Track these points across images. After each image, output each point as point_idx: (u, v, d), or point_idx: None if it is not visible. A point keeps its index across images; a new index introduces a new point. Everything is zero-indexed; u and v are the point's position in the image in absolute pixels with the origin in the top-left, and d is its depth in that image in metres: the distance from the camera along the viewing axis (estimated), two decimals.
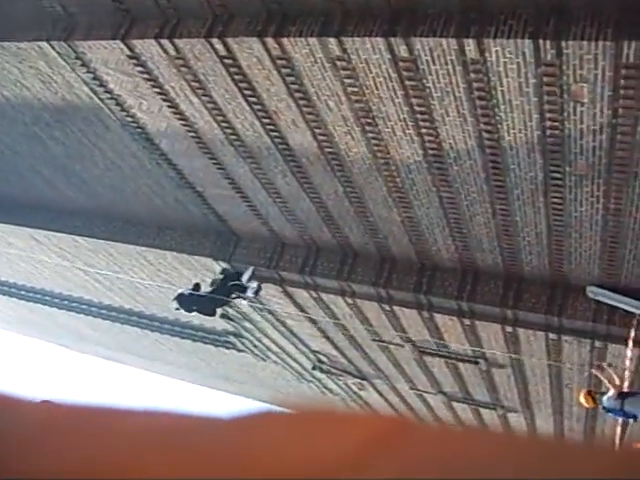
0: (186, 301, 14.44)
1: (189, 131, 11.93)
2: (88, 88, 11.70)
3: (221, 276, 14.85)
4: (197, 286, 14.49)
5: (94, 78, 11.34)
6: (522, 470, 0.46)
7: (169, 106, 11.40)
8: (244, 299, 14.99)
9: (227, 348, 23.43)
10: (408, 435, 0.48)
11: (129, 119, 12.17)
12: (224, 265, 15.34)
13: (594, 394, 11.56)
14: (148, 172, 13.90)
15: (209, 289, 14.59)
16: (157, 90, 11.10)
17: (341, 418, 0.51)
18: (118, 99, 11.70)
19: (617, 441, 12.72)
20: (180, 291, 14.49)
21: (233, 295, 14.50)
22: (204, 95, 10.85)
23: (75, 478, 0.48)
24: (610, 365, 12.66)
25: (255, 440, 0.48)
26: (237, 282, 14.36)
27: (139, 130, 12.42)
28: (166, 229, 15.81)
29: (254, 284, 14.36)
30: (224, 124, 11.41)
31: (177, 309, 15.12)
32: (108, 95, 11.69)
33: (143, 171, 13.96)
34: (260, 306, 16.57)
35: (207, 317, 15.92)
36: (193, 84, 10.67)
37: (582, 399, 12.01)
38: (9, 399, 0.55)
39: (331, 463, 0.46)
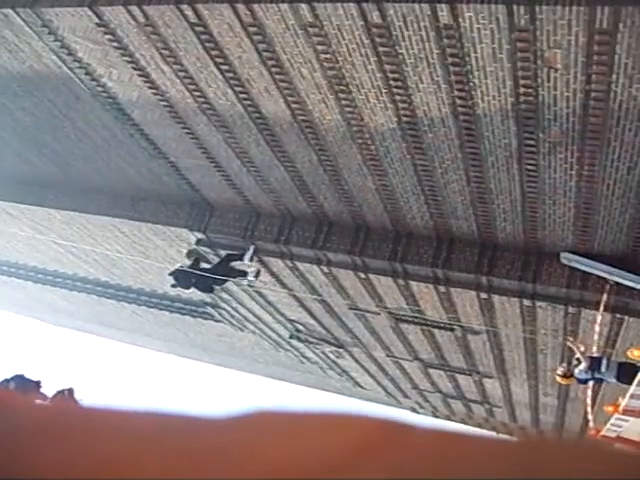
0: (183, 278, 14.33)
1: (161, 100, 11.79)
2: (56, 57, 11.49)
3: (219, 254, 14.83)
4: (196, 262, 14.40)
5: (62, 47, 11.14)
6: (510, 473, 0.45)
7: (140, 75, 11.24)
8: (244, 280, 14.97)
9: (204, 319, 23.48)
10: (397, 438, 0.48)
11: (99, 89, 12.00)
12: (199, 235, 15.27)
13: (568, 372, 11.70)
14: (120, 143, 13.75)
15: (207, 266, 14.56)
16: (127, 59, 10.93)
17: (331, 420, 0.50)
18: (88, 68, 11.51)
19: (589, 403, 12.93)
20: (177, 266, 14.40)
21: (233, 275, 14.45)
22: (175, 63, 10.70)
23: (72, 478, 0.47)
24: (572, 341, 12.79)
25: (246, 441, 0.47)
26: (238, 262, 14.31)
27: (110, 100, 12.25)
28: (140, 200, 15.68)
29: (254, 268, 14.36)
30: (196, 93, 11.28)
31: (173, 286, 15.05)
32: (77, 64, 11.50)
33: (115, 142, 13.80)
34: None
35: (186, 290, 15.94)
36: (164, 52, 10.51)
37: (559, 380, 12.17)
38: (8, 400, 0.54)
39: (319, 464, 0.45)
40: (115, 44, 10.68)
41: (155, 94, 11.64)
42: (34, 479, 0.49)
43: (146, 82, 11.37)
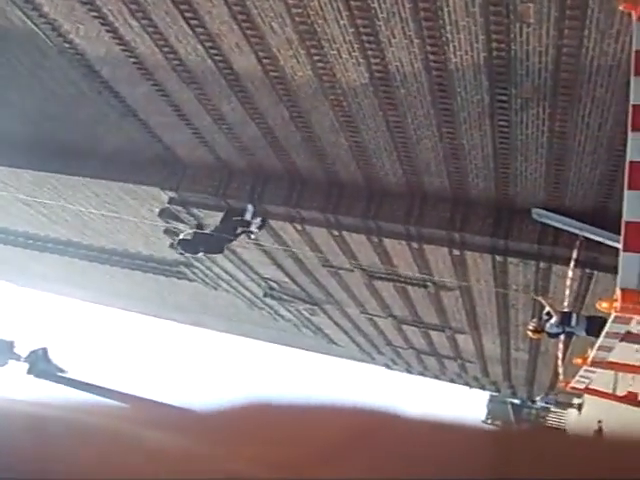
0: (189, 244, 13.90)
1: (130, 56, 11.57)
2: (21, 12, 11.20)
3: (222, 214, 14.38)
4: (200, 227, 13.96)
5: (27, 1, 10.86)
6: (495, 467, 0.46)
7: (107, 30, 11.00)
8: (249, 235, 14.57)
9: (178, 278, 23.43)
10: (385, 428, 0.50)
11: (66, 45, 11.74)
12: (171, 194, 15.16)
13: (539, 327, 11.79)
14: (89, 100, 13.50)
15: (212, 228, 14.06)
16: (94, 14, 10.69)
17: (322, 412, 0.52)
18: (54, 24, 11.24)
19: (559, 356, 13.16)
20: (181, 236, 13.94)
21: (238, 231, 13.99)
22: (144, 18, 10.49)
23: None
24: (542, 296, 12.96)
25: (238, 433, 0.49)
26: (240, 218, 13.87)
27: (77, 57, 12.00)
28: (110, 159, 15.47)
29: (257, 219, 13.91)
30: (166, 49, 11.09)
31: (181, 254, 14.68)
32: (43, 19, 11.22)
33: (84, 99, 13.55)
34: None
35: (162, 248, 15.72)
36: (132, 7, 10.29)
37: (530, 335, 12.29)
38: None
39: (311, 456, 0.47)
40: None
41: (124, 50, 11.42)
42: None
43: (114, 38, 11.15)
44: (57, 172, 16.16)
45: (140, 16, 10.43)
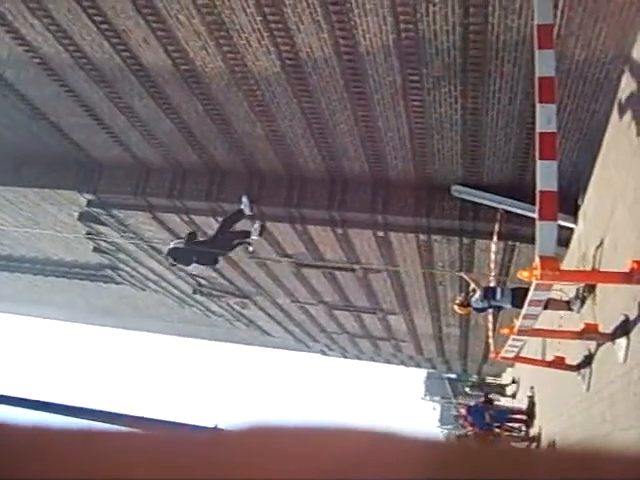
0: (181, 255, 12.90)
1: (34, 57, 11.23)
2: None
3: (219, 220, 13.43)
4: (192, 235, 12.90)
5: None
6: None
7: (7, 31, 10.64)
8: (249, 244, 13.75)
9: (105, 282, 23.01)
10: (388, 451, 0.51)
11: None
12: (89, 197, 14.82)
13: (465, 302, 11.92)
14: None
15: (203, 238, 13.06)
16: None
17: (326, 434, 0.53)
18: None
19: (490, 328, 13.44)
20: (172, 245, 12.90)
21: (236, 241, 13.05)
22: (45, 17, 10.18)
23: None
24: (465, 272, 13.21)
25: (245, 455, 0.50)
26: (242, 214, 12.89)
27: None
28: (23, 165, 15.03)
29: (256, 225, 12.97)
30: (71, 47, 10.80)
31: (173, 265, 13.74)
32: None
33: None
34: (132, 235, 16.23)
35: (85, 253, 15.20)
36: (31, 5, 9.97)
37: (457, 310, 12.41)
38: None
39: (317, 476, 0.48)
40: None
41: (27, 51, 11.08)
42: None
43: (15, 38, 10.79)
44: None
45: (41, 14, 10.12)
